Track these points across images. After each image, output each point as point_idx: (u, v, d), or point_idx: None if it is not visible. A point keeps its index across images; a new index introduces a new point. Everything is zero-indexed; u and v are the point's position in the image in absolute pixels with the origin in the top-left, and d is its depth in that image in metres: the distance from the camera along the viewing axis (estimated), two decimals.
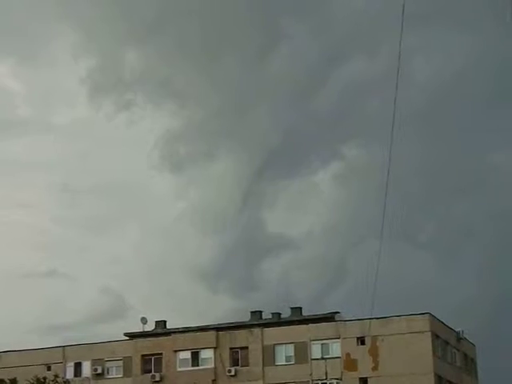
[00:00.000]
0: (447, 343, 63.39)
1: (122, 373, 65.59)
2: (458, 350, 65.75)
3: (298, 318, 65.07)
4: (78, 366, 66.36)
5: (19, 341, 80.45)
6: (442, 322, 62.79)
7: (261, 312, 68.01)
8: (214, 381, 63.13)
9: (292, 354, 62.08)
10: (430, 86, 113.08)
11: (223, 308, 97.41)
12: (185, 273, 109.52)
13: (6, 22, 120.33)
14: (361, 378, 59.93)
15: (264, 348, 62.61)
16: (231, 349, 63.48)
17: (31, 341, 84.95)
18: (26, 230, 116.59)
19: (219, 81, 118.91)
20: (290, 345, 62.18)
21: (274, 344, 62.55)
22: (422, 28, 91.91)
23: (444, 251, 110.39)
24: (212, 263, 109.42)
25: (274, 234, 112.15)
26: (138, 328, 68.06)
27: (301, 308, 67.18)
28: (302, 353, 61.62)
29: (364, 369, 59.74)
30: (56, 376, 47.78)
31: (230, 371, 62.61)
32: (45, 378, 46.92)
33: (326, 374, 59.19)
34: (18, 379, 46.03)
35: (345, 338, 60.72)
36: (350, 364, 60.24)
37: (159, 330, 68.31)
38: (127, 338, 67.76)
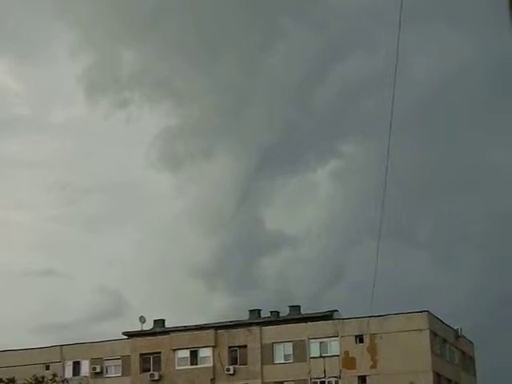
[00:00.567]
0: (445, 341, 63.43)
1: (120, 372, 65.60)
2: (457, 348, 65.79)
3: (296, 317, 65.09)
4: (76, 365, 66.36)
5: (17, 340, 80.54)
6: (441, 320, 62.82)
7: (259, 310, 68.07)
8: (212, 379, 63.14)
9: (291, 352, 62.10)
10: (427, 83, 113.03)
11: (222, 306, 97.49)
12: (183, 271, 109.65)
13: (3, 21, 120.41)
14: (359, 376, 59.96)
15: (263, 346, 62.63)
16: (230, 347, 63.49)
17: (29, 340, 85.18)
18: (24, 229, 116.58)
19: (216, 79, 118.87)
20: (288, 343, 62.21)
21: (273, 342, 62.57)
22: (420, 25, 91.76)
23: (442, 250, 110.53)
24: (210, 261, 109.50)
25: (272, 232, 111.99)
26: (136, 327, 68.11)
27: (299, 306, 67.23)
28: (300, 351, 61.66)
29: (362, 367, 59.76)
30: (54, 375, 47.66)
31: (228, 370, 62.63)
32: (43, 378, 46.81)
33: (325, 372, 59.22)
34: (16, 378, 45.91)
35: (343, 336, 60.75)
36: (348, 362, 60.26)
37: (158, 329, 68.33)
38: (126, 336, 67.80)
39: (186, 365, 64.15)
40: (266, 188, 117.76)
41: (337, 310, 64.70)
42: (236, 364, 63.08)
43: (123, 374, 65.36)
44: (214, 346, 63.65)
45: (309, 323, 62.34)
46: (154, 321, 69.45)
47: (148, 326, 68.95)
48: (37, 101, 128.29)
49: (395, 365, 58.16)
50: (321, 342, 61.31)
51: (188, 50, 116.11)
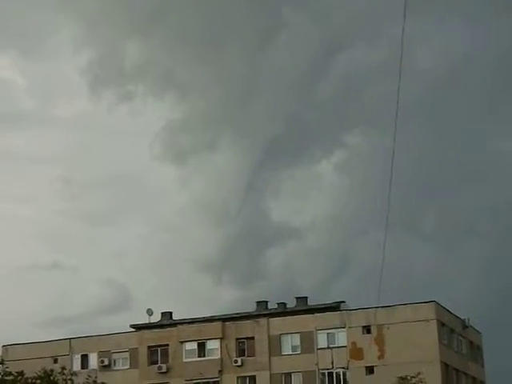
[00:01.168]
0: (453, 331, 63.40)
1: (128, 364, 65.77)
2: (464, 338, 65.78)
3: (303, 308, 65.13)
4: (84, 358, 66.57)
5: (25, 334, 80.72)
6: (448, 310, 62.79)
7: (266, 302, 68.08)
8: (220, 371, 63.25)
9: (298, 343, 62.18)
10: (432, 73, 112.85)
11: (229, 298, 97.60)
12: (189, 264, 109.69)
13: (7, 15, 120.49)
14: (367, 367, 60.00)
15: (270, 338, 62.71)
16: (237, 339, 63.56)
17: (37, 334, 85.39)
18: (31, 223, 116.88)
19: (220, 71, 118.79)
20: (295, 334, 62.27)
21: (280, 334, 62.64)
22: (424, 15, 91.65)
23: (449, 240, 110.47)
24: (216, 254, 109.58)
25: (277, 224, 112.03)
26: (144, 320, 68.19)
27: (306, 298, 67.24)
28: (308, 342, 61.71)
29: (370, 357, 59.81)
30: (63, 368, 47.55)
31: (236, 361, 62.72)
32: (52, 371, 46.80)
33: (333, 363, 59.27)
34: (24, 372, 45.92)
35: (350, 327, 60.79)
36: (356, 353, 60.31)
37: (165, 322, 68.40)
38: (133, 329, 67.88)
39: (194, 357, 64.26)
40: (271, 180, 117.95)
41: (344, 301, 64.72)
42: (244, 356, 63.17)
43: (131, 367, 65.54)
44: (221, 338, 63.74)
45: (316, 314, 62.38)
46: (162, 313, 69.51)
47: (155, 318, 69.09)
48: (41, 95, 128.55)
49: (403, 355, 58.16)
50: (328, 333, 61.35)
51: (192, 42, 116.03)
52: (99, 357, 66.10)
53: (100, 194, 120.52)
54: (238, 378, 62.93)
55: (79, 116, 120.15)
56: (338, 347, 60.44)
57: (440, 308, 61.10)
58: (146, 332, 66.32)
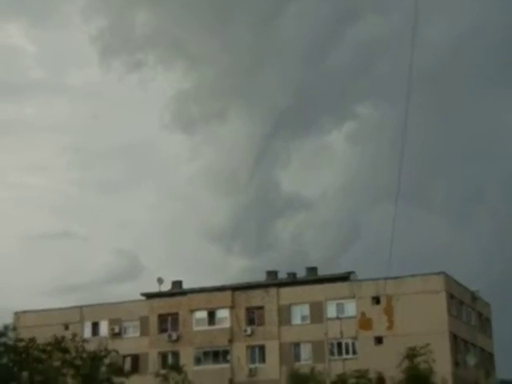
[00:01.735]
0: (462, 302, 63.58)
1: (138, 332, 66.18)
2: (473, 309, 65.97)
3: (313, 278, 65.39)
4: (95, 326, 66.97)
5: (36, 301, 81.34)
6: (457, 282, 62.92)
7: (276, 272, 68.36)
8: (230, 340, 63.61)
9: (307, 313, 62.45)
10: (442, 45, 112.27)
11: (238, 268, 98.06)
12: (199, 233, 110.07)
13: None
14: (376, 337, 60.28)
15: (280, 308, 62.99)
16: (247, 308, 63.88)
17: (48, 301, 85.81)
18: (41, 192, 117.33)
19: (230, 41, 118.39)
20: (305, 304, 62.54)
21: (290, 304, 62.92)
22: None
23: (458, 212, 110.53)
24: (227, 223, 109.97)
25: (287, 195, 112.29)
26: (154, 288, 68.50)
27: (316, 268, 67.50)
28: (317, 312, 61.98)
29: (379, 328, 60.08)
30: (74, 335, 48.08)
31: (246, 331, 63.08)
32: (63, 338, 47.26)
33: (342, 333, 59.53)
34: (36, 338, 46.37)
35: (360, 298, 61.02)
36: (365, 323, 60.58)
37: (175, 290, 68.77)
38: (144, 298, 68.23)
39: (204, 325, 64.64)
40: (281, 150, 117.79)
41: (353, 272, 64.95)
42: (253, 325, 63.50)
43: (141, 335, 65.96)
44: (231, 307, 64.07)
45: (325, 285, 62.60)
46: (172, 282, 69.87)
47: (166, 287, 69.43)
48: (51, 63, 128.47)
49: (411, 326, 58.37)
50: (337, 304, 61.60)
51: (201, 11, 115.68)
52: (110, 324, 66.51)
53: (110, 164, 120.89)
54: (247, 346, 63.30)
55: (89, 85, 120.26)
56: (348, 317, 60.69)
57: (449, 279, 61.23)
58: (156, 300, 66.68)
